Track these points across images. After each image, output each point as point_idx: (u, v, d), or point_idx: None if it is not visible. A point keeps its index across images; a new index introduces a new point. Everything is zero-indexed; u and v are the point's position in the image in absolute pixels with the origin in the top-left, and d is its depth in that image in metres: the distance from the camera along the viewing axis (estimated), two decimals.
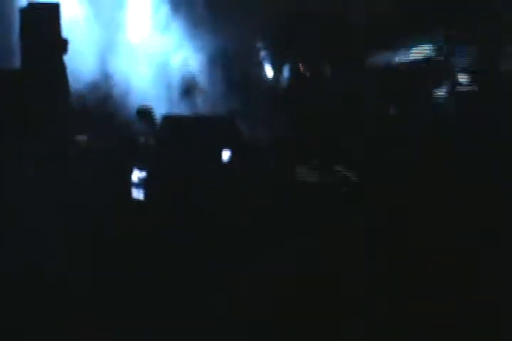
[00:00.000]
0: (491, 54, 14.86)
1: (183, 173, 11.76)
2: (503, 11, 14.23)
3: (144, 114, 14.42)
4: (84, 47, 14.90)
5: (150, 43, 16.18)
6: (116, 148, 13.13)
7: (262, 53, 16.62)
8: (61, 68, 13.82)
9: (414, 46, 15.47)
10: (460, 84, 14.96)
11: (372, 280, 7.81)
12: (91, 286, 7.82)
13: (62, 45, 13.89)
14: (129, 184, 11.93)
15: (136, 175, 12.04)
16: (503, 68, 14.46)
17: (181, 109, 15.71)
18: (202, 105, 16.07)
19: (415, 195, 9.99)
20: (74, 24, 14.71)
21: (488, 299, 7.28)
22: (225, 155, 13.10)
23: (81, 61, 14.70)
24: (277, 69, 16.65)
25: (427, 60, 15.53)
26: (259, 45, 16.53)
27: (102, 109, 15.23)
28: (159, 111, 14.68)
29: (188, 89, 16.37)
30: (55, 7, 13.81)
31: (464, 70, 15.04)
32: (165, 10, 16.45)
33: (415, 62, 15.55)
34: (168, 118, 14.38)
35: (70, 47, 13.82)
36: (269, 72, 16.82)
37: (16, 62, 13.76)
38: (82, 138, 13.73)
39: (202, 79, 16.42)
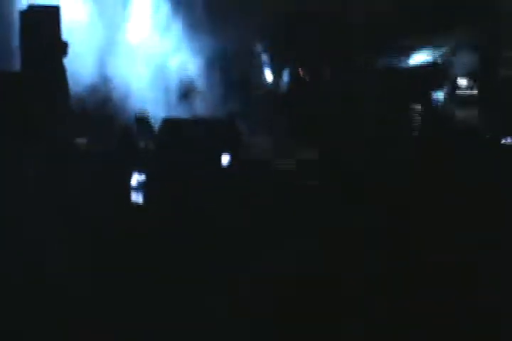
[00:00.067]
0: (491, 56, 14.87)
1: (182, 175, 11.75)
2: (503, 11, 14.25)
3: (142, 120, 14.49)
4: (83, 50, 14.90)
5: (149, 46, 16.18)
6: (116, 150, 13.13)
7: (262, 56, 16.60)
8: (61, 71, 13.85)
9: (415, 48, 15.48)
10: (460, 87, 14.97)
11: (371, 280, 7.79)
12: (89, 288, 7.80)
13: (62, 47, 13.92)
14: (129, 186, 11.92)
15: (136, 178, 12.03)
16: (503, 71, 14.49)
17: (180, 112, 15.70)
18: (201, 108, 16.06)
19: (415, 195, 9.98)
20: (74, 26, 14.71)
21: (488, 299, 7.26)
22: (225, 157, 13.13)
23: (80, 64, 14.71)
24: (277, 73, 16.63)
25: (427, 62, 15.54)
26: (258, 47, 16.51)
27: (102, 111, 15.23)
28: (158, 114, 14.73)
29: (187, 92, 16.37)
30: (55, 10, 13.86)
31: (464, 73, 15.05)
32: (164, 11, 16.45)
33: (415, 64, 15.56)
34: (167, 122, 14.42)
35: (70, 49, 13.88)
36: (268, 74, 16.81)
37: (16, 64, 13.81)
38: (81, 140, 13.74)
39: (201, 82, 16.42)
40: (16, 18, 14.06)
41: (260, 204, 10.28)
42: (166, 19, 16.42)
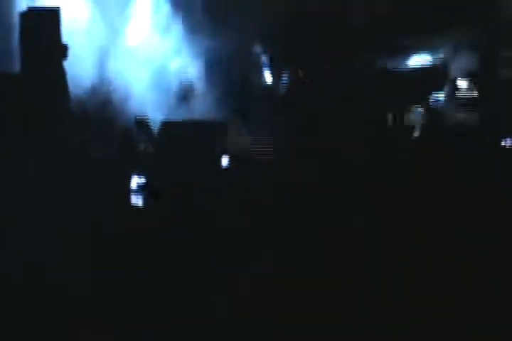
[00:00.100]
0: (491, 56, 14.87)
1: (181, 177, 11.76)
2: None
3: (142, 123, 14.50)
4: (83, 52, 14.90)
5: (149, 48, 16.18)
6: (116, 153, 13.14)
7: (261, 56, 16.59)
8: (61, 73, 13.86)
9: (415, 48, 15.47)
10: (460, 87, 14.96)
11: (371, 280, 7.78)
12: (90, 288, 7.80)
13: (62, 50, 13.92)
14: (128, 188, 11.93)
15: (135, 180, 12.02)
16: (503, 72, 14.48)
17: (180, 114, 15.70)
18: (200, 110, 16.05)
19: (415, 195, 9.98)
20: (74, 28, 14.72)
21: (488, 299, 7.24)
22: (224, 159, 13.14)
23: (80, 66, 14.71)
24: (277, 73, 16.62)
25: (427, 64, 15.53)
26: (258, 47, 16.50)
27: (102, 114, 15.22)
28: (158, 116, 14.75)
29: (187, 94, 16.36)
30: (55, 12, 13.87)
31: (464, 73, 15.04)
32: (164, 13, 16.46)
33: (415, 64, 15.55)
34: (166, 124, 14.46)
35: (70, 51, 13.89)
36: (268, 76, 16.79)
37: (16, 66, 13.82)
38: (81, 142, 13.73)
39: (200, 84, 16.41)
40: (16, 19, 14.07)
41: (260, 205, 10.28)
42: (165, 21, 16.41)
